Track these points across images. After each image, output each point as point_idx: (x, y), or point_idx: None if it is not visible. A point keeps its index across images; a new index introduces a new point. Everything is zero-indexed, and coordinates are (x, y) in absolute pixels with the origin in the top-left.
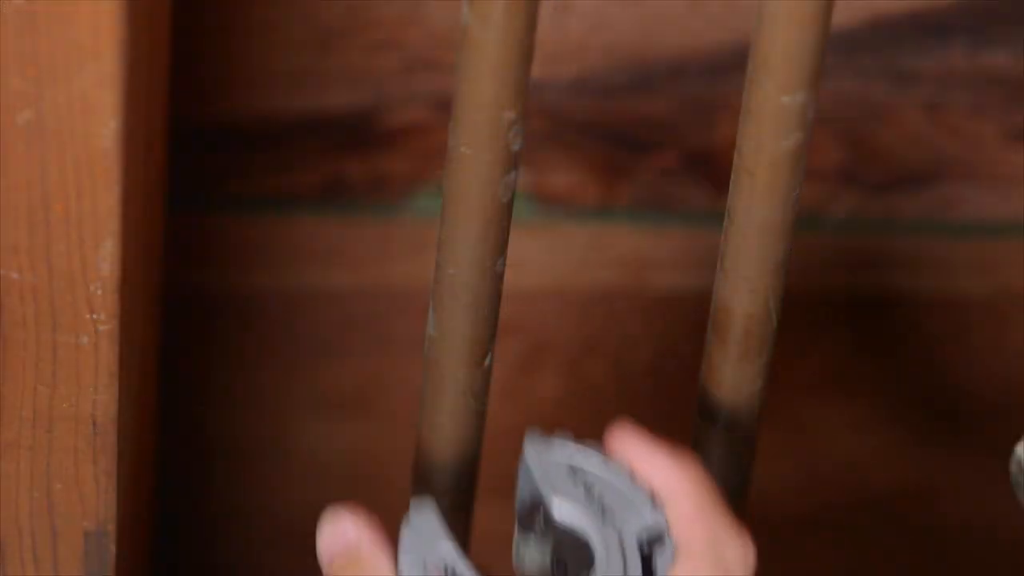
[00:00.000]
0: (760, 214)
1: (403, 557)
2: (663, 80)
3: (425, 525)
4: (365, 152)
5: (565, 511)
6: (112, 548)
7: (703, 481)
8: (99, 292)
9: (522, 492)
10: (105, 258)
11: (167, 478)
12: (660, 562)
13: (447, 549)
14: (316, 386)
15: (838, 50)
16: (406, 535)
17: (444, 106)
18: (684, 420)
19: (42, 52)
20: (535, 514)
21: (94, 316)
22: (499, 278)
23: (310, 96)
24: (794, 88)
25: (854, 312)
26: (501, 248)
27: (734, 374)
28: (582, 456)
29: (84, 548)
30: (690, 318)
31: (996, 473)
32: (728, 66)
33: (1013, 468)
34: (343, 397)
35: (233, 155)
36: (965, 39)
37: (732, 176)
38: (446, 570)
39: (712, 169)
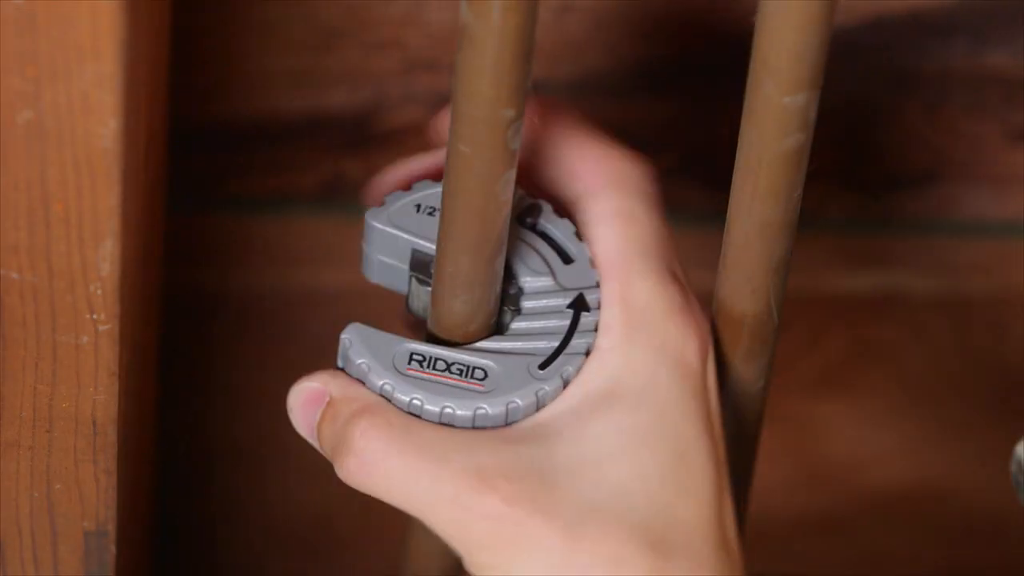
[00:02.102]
0: (761, 214)
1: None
2: (663, 80)
3: (367, 340)
4: (365, 152)
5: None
6: (112, 548)
7: (630, 182)
8: (99, 292)
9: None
10: (105, 258)
11: (167, 478)
12: (546, 221)
13: (401, 342)
14: None
15: (838, 50)
16: (355, 358)
17: (444, 106)
18: None
19: (42, 52)
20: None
21: (94, 316)
22: (498, 276)
23: (310, 96)
24: (795, 88)
25: (854, 312)
26: (501, 247)
27: (735, 374)
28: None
29: (84, 548)
30: None
31: (996, 473)
32: (728, 66)
33: (1013, 468)
34: None
35: (233, 155)
36: (965, 39)
37: (733, 176)
38: (414, 357)
39: (712, 169)
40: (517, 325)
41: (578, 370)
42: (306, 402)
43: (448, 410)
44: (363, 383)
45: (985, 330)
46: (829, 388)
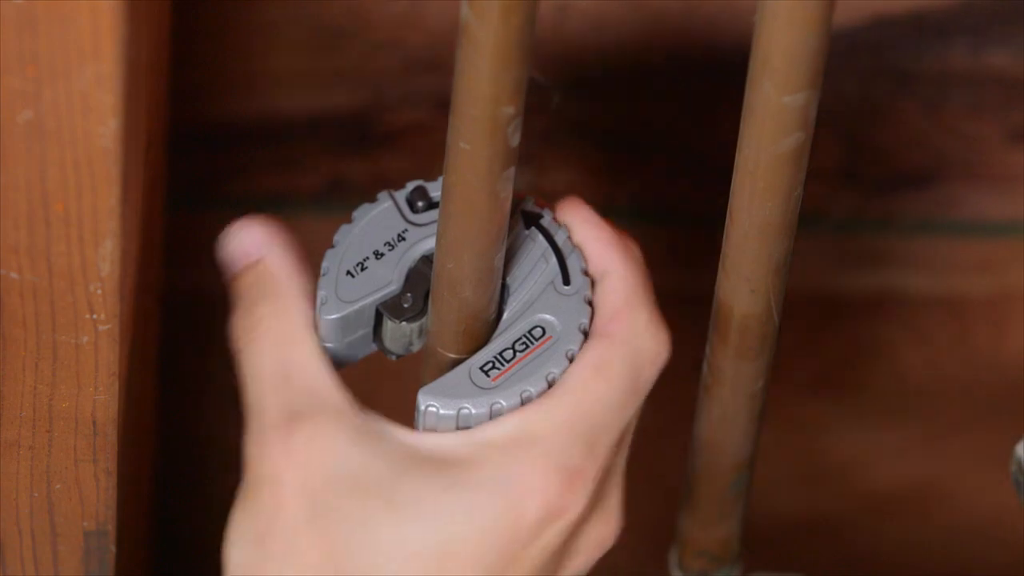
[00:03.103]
0: (761, 214)
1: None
2: (663, 80)
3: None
4: (365, 152)
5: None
6: (112, 548)
7: (639, 266)
8: (99, 292)
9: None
10: (105, 258)
11: (167, 478)
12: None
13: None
14: None
15: (838, 50)
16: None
17: (444, 106)
18: (686, 420)
19: (42, 52)
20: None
21: (94, 316)
22: (498, 274)
23: (310, 96)
24: (795, 88)
25: (854, 312)
26: (500, 244)
27: (735, 373)
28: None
29: (84, 548)
30: (690, 318)
31: (996, 473)
32: (728, 66)
33: (1013, 468)
34: None
35: (233, 155)
36: (965, 39)
37: (733, 176)
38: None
39: (712, 169)
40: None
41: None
42: (241, 242)
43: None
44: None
45: (985, 330)
46: (829, 388)
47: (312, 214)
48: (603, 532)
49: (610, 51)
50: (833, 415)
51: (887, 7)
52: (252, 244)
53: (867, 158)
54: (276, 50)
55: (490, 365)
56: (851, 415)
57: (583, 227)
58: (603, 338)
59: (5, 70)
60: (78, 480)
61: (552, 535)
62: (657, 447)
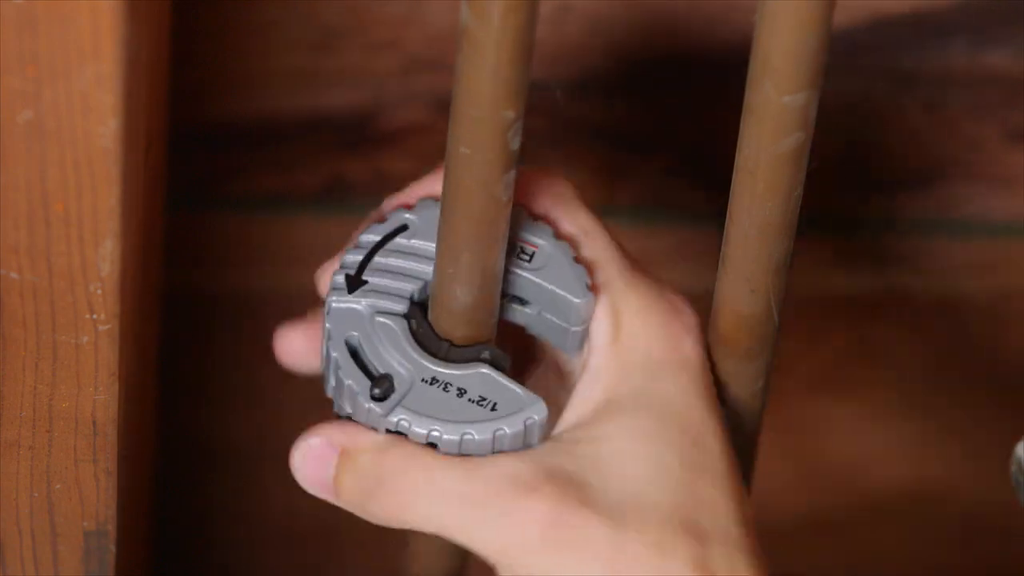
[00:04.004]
0: (761, 214)
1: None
2: (663, 80)
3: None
4: (365, 152)
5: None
6: (112, 548)
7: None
8: (99, 292)
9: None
10: (105, 258)
11: (167, 478)
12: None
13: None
14: (315, 386)
15: (838, 50)
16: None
17: (444, 106)
18: None
19: (42, 52)
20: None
21: (94, 316)
22: (498, 278)
23: (310, 96)
24: (795, 88)
25: (854, 312)
26: (500, 248)
27: (735, 373)
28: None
29: (84, 548)
30: None
31: (996, 473)
32: (728, 66)
33: (1013, 468)
34: None
35: (233, 155)
36: (965, 39)
37: (733, 176)
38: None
39: (712, 169)
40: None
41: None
42: (314, 458)
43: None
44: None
45: (984, 330)
46: (829, 388)
47: (312, 214)
48: None
49: (610, 51)
50: (833, 415)
51: (887, 7)
52: (322, 456)
53: (867, 158)
54: (276, 50)
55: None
56: (851, 415)
57: (552, 199)
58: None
59: (5, 70)
60: (78, 480)
61: (703, 355)
62: None
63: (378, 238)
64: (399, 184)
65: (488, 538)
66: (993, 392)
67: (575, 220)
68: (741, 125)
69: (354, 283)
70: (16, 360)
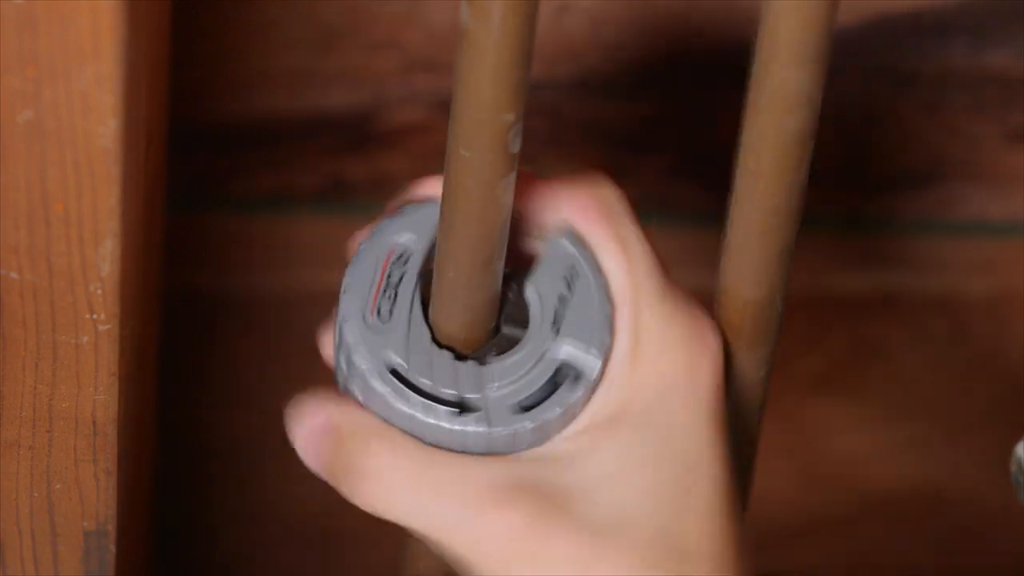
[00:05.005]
0: (765, 197)
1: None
2: (663, 80)
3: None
4: (365, 152)
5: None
6: (112, 548)
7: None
8: (99, 292)
9: None
10: (105, 258)
11: (167, 478)
12: (568, 387)
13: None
14: (315, 386)
15: (838, 50)
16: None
17: (444, 106)
18: None
19: (42, 52)
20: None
21: (94, 316)
22: (498, 280)
23: (310, 96)
24: (801, 64)
25: (854, 312)
26: (500, 250)
27: (738, 362)
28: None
29: (84, 548)
30: None
31: (996, 473)
32: (728, 65)
33: (1013, 468)
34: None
35: (233, 155)
36: (965, 39)
37: (738, 158)
38: (402, 256)
39: (712, 169)
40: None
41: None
42: (310, 432)
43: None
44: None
45: (985, 330)
46: (829, 388)
47: (312, 214)
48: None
49: (610, 51)
50: (833, 415)
51: (887, 7)
52: (318, 424)
53: (867, 158)
54: (276, 50)
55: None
56: (851, 415)
57: (543, 193)
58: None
59: (5, 70)
60: (78, 480)
61: (719, 385)
62: None
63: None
64: (399, 184)
65: (461, 543)
66: (993, 392)
67: (618, 232)
68: (746, 103)
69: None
70: (16, 360)
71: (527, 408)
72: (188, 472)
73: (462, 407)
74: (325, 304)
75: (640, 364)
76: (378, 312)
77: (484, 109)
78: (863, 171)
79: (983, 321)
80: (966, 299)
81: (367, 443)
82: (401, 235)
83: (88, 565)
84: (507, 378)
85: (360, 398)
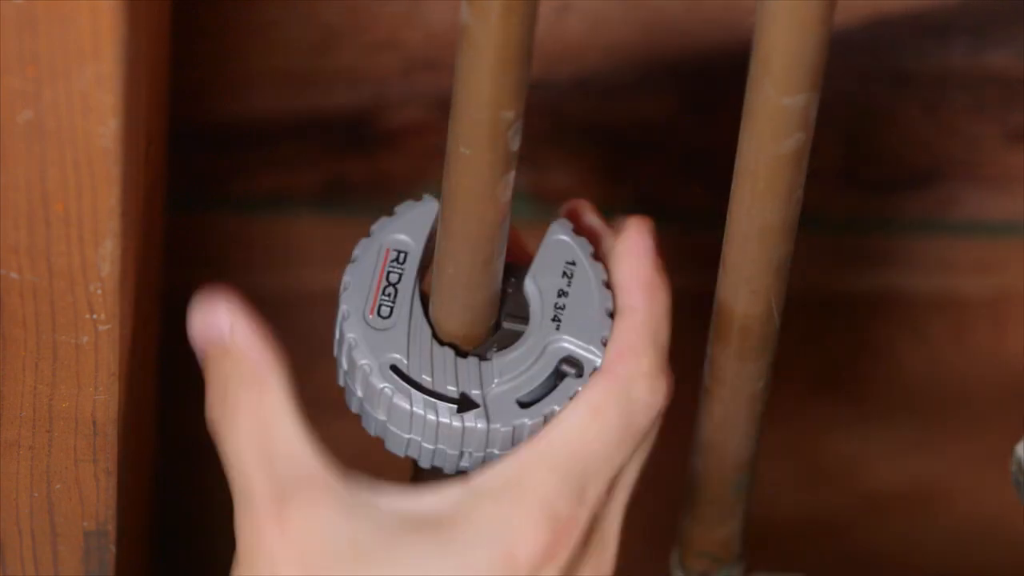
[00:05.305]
0: (761, 215)
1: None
2: (663, 80)
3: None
4: (365, 152)
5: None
6: (112, 548)
7: (663, 310)
8: (99, 292)
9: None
10: (105, 258)
11: (167, 478)
12: (569, 383)
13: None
14: (315, 386)
15: (838, 50)
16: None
17: (444, 106)
18: (686, 420)
19: (42, 52)
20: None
21: (94, 316)
22: (497, 277)
23: (310, 96)
24: (795, 90)
25: (854, 312)
26: (500, 248)
27: (736, 373)
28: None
29: (84, 548)
30: (690, 318)
31: (996, 473)
32: (728, 66)
33: (1013, 468)
34: (342, 397)
35: (233, 155)
36: (965, 39)
37: (734, 177)
38: (400, 256)
39: (712, 169)
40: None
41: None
42: (208, 325)
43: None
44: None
45: (985, 330)
46: (829, 388)
47: (312, 214)
48: (597, 572)
49: (610, 51)
50: (833, 415)
51: (887, 7)
52: (217, 324)
53: (867, 158)
54: (276, 50)
55: None
56: (851, 415)
57: (628, 259)
58: (605, 376)
59: (5, 70)
60: (78, 480)
61: None
62: (658, 448)
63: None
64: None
65: (241, 525)
66: (993, 392)
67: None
68: (741, 127)
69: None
70: (16, 360)
71: (527, 404)
72: (188, 472)
73: (463, 404)
74: (325, 304)
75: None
76: (379, 311)
77: (484, 107)
78: (863, 171)
79: (983, 321)
80: (966, 299)
81: (237, 368)
82: (397, 235)
83: (88, 565)
84: (508, 374)
85: (361, 395)
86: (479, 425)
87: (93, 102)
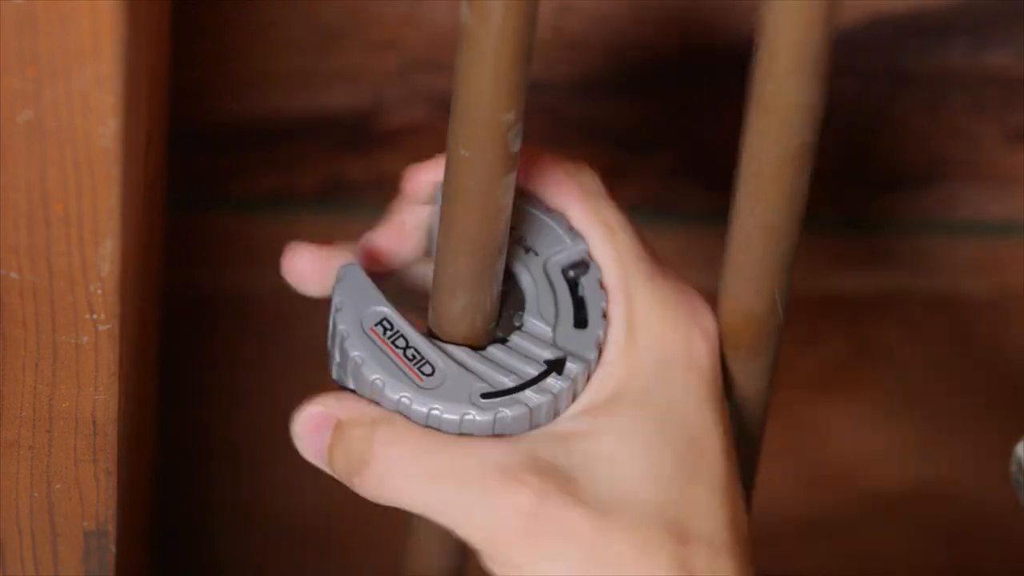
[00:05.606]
0: (765, 214)
1: (337, 315)
2: (663, 80)
3: (356, 284)
4: (365, 152)
5: None
6: (112, 548)
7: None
8: (99, 292)
9: None
10: (105, 258)
11: (167, 478)
12: (585, 282)
13: (381, 303)
14: (315, 386)
15: (838, 50)
16: (337, 293)
17: (444, 106)
18: None
19: (42, 52)
20: None
21: (94, 316)
22: (498, 278)
23: (310, 96)
24: (800, 88)
25: (854, 312)
26: (500, 249)
27: (740, 371)
28: None
29: (84, 548)
30: None
31: (996, 473)
32: (728, 65)
33: (1013, 468)
34: None
35: (233, 155)
36: (965, 39)
37: (738, 176)
38: (383, 322)
39: (712, 169)
40: (495, 352)
41: (515, 417)
42: (313, 428)
43: (468, 417)
44: (376, 401)
45: (984, 330)
46: (829, 388)
47: (312, 214)
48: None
49: (610, 50)
50: (833, 415)
51: (887, 7)
52: (321, 417)
53: (867, 158)
54: (276, 50)
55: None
56: (851, 415)
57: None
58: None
59: (5, 70)
60: (78, 480)
61: (715, 360)
62: None
63: None
64: (399, 184)
65: (471, 524)
66: (993, 392)
67: (599, 214)
68: (745, 125)
69: None
70: (16, 360)
71: (582, 325)
72: (188, 472)
73: (554, 366)
74: (325, 304)
75: (637, 346)
76: (421, 372)
77: (484, 108)
78: (863, 171)
79: (983, 321)
80: (966, 299)
81: (369, 430)
82: (365, 310)
83: (88, 565)
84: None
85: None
86: (577, 366)
87: (93, 102)
